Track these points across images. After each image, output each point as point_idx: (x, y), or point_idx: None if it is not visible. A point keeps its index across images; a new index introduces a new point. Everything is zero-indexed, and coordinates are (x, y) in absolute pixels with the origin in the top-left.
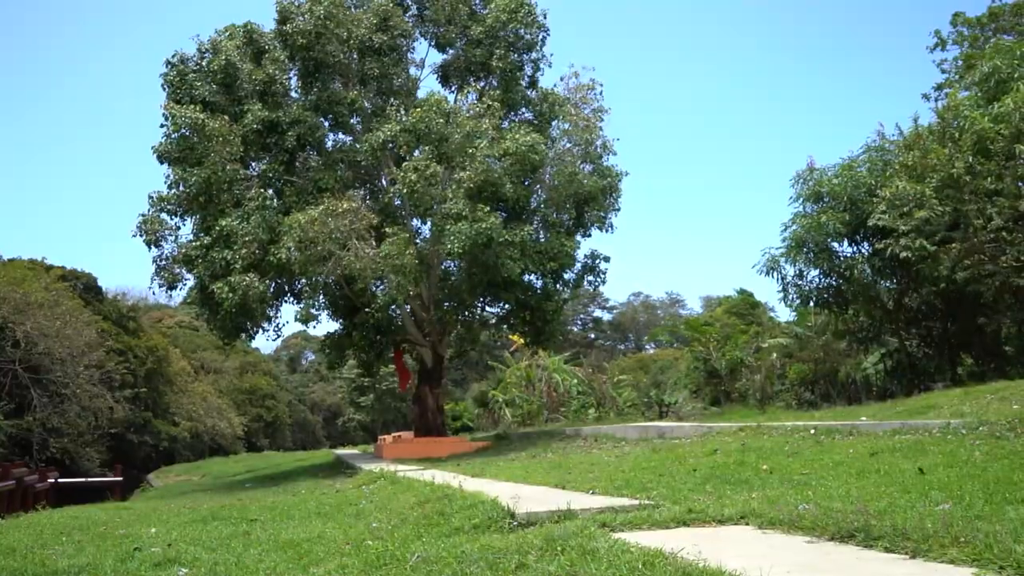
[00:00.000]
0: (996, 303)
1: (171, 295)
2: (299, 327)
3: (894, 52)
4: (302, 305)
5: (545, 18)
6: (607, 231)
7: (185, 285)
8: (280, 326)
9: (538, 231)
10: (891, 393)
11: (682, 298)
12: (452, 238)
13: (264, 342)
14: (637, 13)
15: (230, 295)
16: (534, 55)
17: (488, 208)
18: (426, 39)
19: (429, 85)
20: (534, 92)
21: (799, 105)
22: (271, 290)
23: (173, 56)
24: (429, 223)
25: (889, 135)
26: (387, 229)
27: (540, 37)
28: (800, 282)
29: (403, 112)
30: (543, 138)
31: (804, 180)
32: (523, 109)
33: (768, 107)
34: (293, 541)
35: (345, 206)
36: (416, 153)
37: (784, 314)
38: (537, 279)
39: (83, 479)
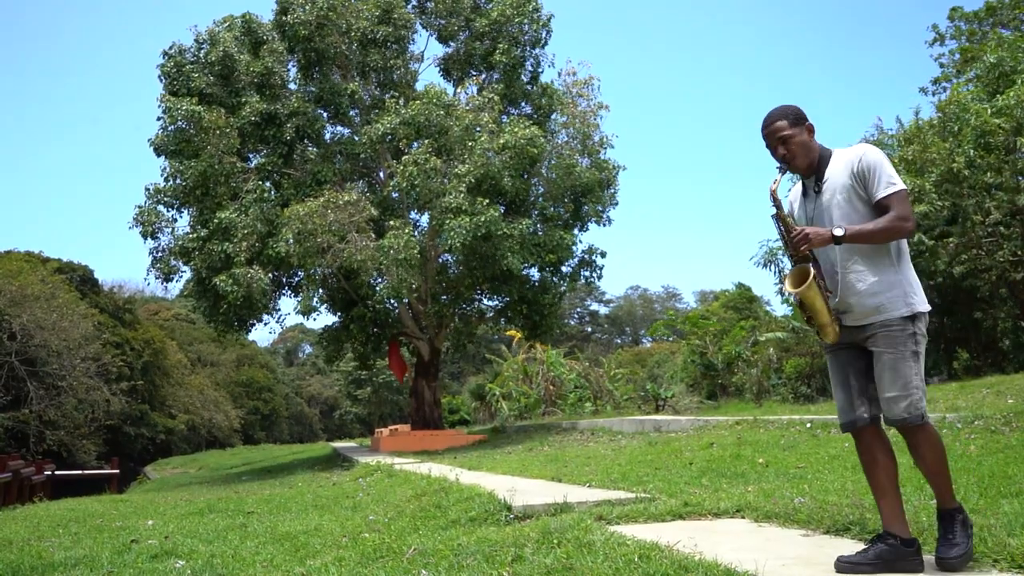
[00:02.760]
0: (992, 298)
1: (167, 287)
2: (296, 320)
3: (892, 47)
4: (300, 298)
5: (550, 20)
6: (604, 225)
7: (181, 277)
8: (282, 318)
9: (536, 224)
10: None
11: (679, 292)
12: (453, 232)
13: (261, 335)
14: (634, 10)
15: (234, 287)
16: (536, 52)
17: (488, 201)
18: (428, 30)
19: (429, 77)
20: (534, 87)
21: (796, 99)
22: (269, 284)
23: (170, 47)
24: (427, 216)
25: (888, 129)
26: (391, 222)
27: (543, 35)
28: None
29: (402, 104)
30: (542, 132)
31: None
32: (523, 104)
33: (765, 101)
34: (290, 533)
35: (347, 198)
36: (415, 146)
37: (781, 308)
38: (536, 272)
39: (80, 471)
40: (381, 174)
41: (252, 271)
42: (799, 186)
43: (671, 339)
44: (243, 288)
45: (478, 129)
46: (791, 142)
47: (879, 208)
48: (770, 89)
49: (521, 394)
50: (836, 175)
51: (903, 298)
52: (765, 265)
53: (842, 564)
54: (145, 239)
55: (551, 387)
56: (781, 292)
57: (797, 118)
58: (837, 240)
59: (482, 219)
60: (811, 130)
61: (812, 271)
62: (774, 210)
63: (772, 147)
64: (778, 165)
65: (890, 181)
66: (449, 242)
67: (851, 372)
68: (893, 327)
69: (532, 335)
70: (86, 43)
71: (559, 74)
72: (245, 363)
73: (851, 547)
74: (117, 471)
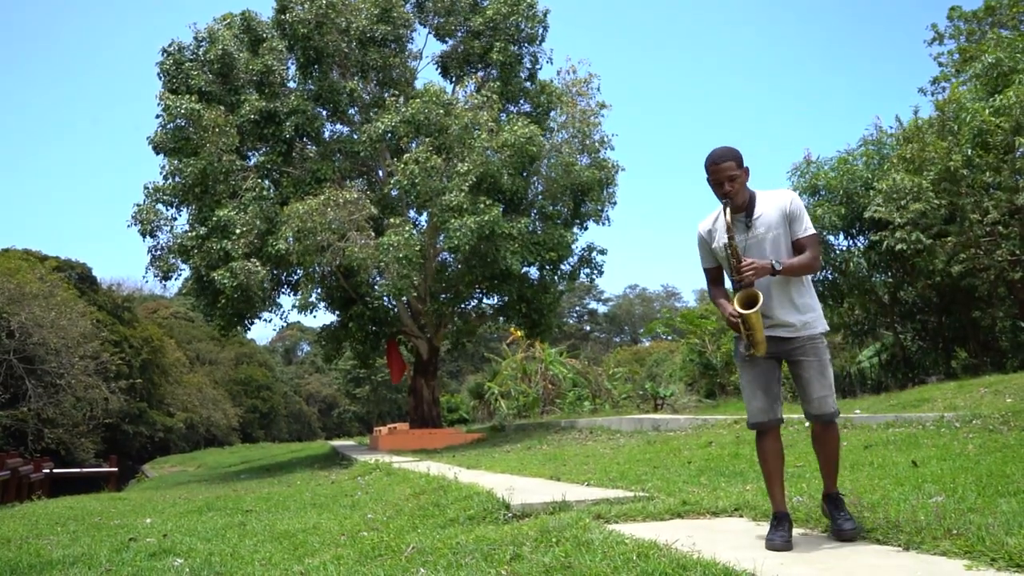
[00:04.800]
0: (991, 297)
1: (166, 285)
2: (295, 318)
3: (891, 46)
4: (299, 296)
5: (546, 16)
6: (603, 224)
7: (180, 275)
8: (284, 314)
9: (535, 223)
10: (885, 386)
11: (678, 291)
12: (457, 232)
13: (259, 333)
14: (634, 9)
15: (231, 279)
16: (533, 49)
17: (490, 201)
18: (425, 26)
19: (427, 76)
20: (532, 85)
21: (796, 98)
22: (268, 280)
23: (170, 45)
24: (426, 215)
25: (887, 128)
26: (391, 220)
27: (540, 31)
28: None
29: (402, 102)
30: (541, 130)
31: (801, 173)
32: (522, 101)
33: (765, 100)
34: (288, 532)
35: (347, 197)
36: (415, 144)
37: None
38: (535, 271)
39: (78, 470)
40: (380, 172)
41: (249, 264)
42: (720, 219)
43: (670, 338)
44: (240, 280)
45: (477, 128)
46: (736, 181)
47: (796, 245)
48: (770, 88)
49: (520, 393)
50: (768, 213)
51: (821, 318)
52: None
53: (785, 544)
54: (144, 237)
55: (550, 386)
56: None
57: (741, 161)
58: (774, 272)
59: (485, 218)
60: (748, 172)
61: (760, 296)
62: (726, 240)
63: (718, 183)
64: (723, 200)
65: (809, 225)
66: (454, 242)
67: (772, 379)
68: (816, 340)
69: (531, 334)
70: (86, 43)
71: (558, 73)
72: (244, 361)
73: (849, 545)
74: (115, 469)
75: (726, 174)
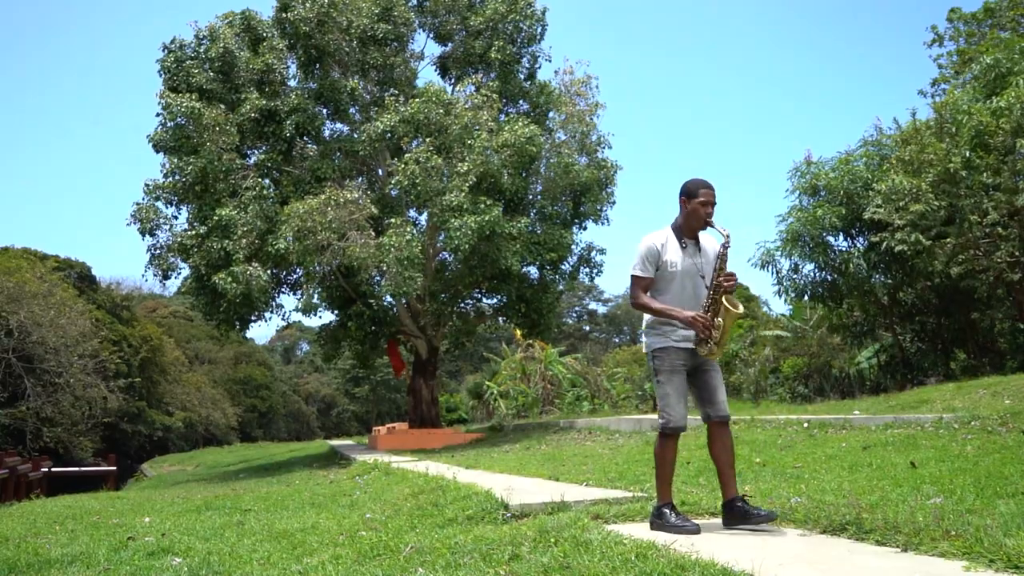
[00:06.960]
0: (990, 298)
1: (165, 284)
2: (295, 317)
3: (891, 47)
4: (299, 295)
5: (544, 15)
6: (603, 223)
7: (179, 274)
8: (286, 315)
9: (535, 223)
10: (884, 387)
11: None
12: (457, 232)
13: (259, 332)
14: (633, 8)
15: (233, 285)
16: (532, 48)
17: (490, 201)
18: (425, 30)
19: (427, 75)
20: (531, 85)
21: (795, 99)
22: (268, 280)
23: (171, 41)
24: (426, 214)
25: (886, 129)
26: (391, 220)
27: (538, 31)
28: (795, 276)
29: (402, 102)
30: (540, 130)
31: (801, 173)
32: (521, 102)
33: (765, 101)
34: (287, 531)
35: (347, 196)
36: (415, 144)
37: (779, 308)
38: (535, 271)
39: (77, 468)
40: (380, 172)
41: (251, 268)
42: (671, 238)
43: None
44: (242, 286)
45: (477, 128)
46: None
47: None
48: (770, 88)
49: (519, 393)
50: (711, 247)
51: None
52: (763, 266)
53: (696, 526)
54: (143, 236)
55: (549, 386)
56: (779, 294)
57: None
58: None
59: (486, 218)
60: None
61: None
62: (724, 251)
63: (709, 206)
64: (706, 221)
65: None
66: (455, 242)
67: (686, 391)
68: None
69: (530, 334)
70: (86, 43)
71: (556, 73)
72: (243, 361)
73: (847, 546)
74: (114, 468)
75: (715, 200)
